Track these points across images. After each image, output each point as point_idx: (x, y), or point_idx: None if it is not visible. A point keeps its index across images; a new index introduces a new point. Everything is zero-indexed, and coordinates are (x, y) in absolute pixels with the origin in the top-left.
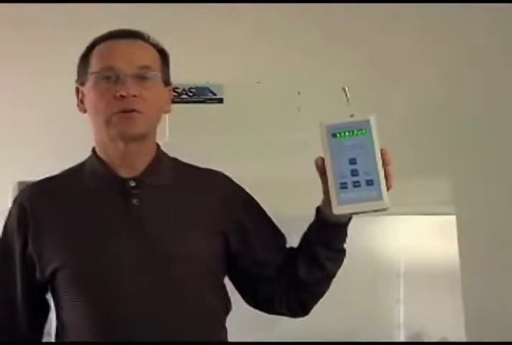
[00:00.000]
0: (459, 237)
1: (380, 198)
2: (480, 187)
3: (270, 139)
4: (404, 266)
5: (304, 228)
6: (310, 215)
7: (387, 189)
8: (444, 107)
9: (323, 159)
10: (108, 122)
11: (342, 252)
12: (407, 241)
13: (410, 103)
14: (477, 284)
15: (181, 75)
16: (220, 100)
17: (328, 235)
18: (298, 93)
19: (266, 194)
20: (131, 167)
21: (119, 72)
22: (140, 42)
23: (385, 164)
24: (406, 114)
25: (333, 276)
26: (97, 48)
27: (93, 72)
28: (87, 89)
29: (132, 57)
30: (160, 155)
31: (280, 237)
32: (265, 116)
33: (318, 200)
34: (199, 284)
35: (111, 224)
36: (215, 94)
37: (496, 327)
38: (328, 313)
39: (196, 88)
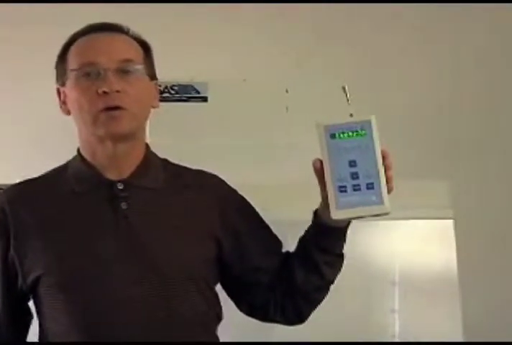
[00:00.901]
0: (457, 243)
1: (380, 202)
2: (480, 191)
3: (257, 140)
4: (399, 273)
5: (298, 232)
6: (303, 220)
7: (388, 192)
8: (442, 108)
9: (321, 161)
10: (94, 121)
11: (341, 257)
12: (402, 247)
13: (408, 104)
14: (477, 293)
15: (163, 71)
16: (204, 99)
17: (326, 240)
18: (287, 91)
19: (255, 198)
20: (119, 168)
21: (99, 67)
22: (120, 35)
23: (385, 167)
24: (403, 115)
25: (331, 282)
26: (74, 44)
27: (72, 70)
28: (68, 89)
29: (112, 51)
30: (149, 156)
31: (275, 242)
32: (252, 115)
33: (309, 203)
34: (189, 291)
35: (97, 229)
36: (199, 92)
37: (496, 338)
38: (320, 323)
39: (179, 85)
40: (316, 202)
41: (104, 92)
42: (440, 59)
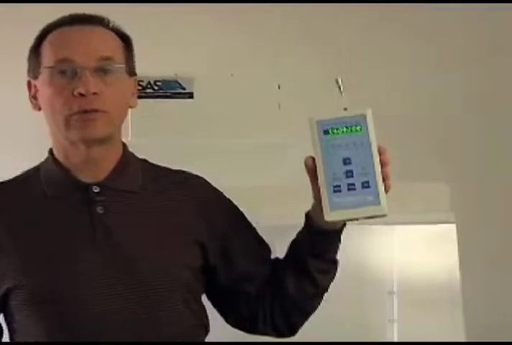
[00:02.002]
0: (459, 248)
1: (377, 202)
2: (483, 193)
3: (247, 139)
4: (397, 282)
5: (288, 237)
6: (294, 224)
7: (386, 191)
8: (443, 108)
9: (313, 159)
10: (67, 124)
11: (335, 263)
12: (400, 254)
13: (407, 104)
14: (481, 303)
15: (146, 66)
16: (190, 95)
17: (319, 244)
18: (279, 87)
19: (243, 201)
20: (95, 171)
21: (76, 65)
22: (99, 29)
23: (382, 164)
24: (401, 115)
25: (325, 290)
26: (49, 37)
27: (47, 67)
28: (40, 84)
29: (91, 47)
30: (127, 156)
31: (264, 248)
32: (241, 113)
33: (303, 206)
34: (174, 303)
35: (72, 236)
36: (184, 88)
37: None
38: (313, 334)
39: (163, 81)
40: (308, 204)
41: (80, 94)
42: (441, 60)
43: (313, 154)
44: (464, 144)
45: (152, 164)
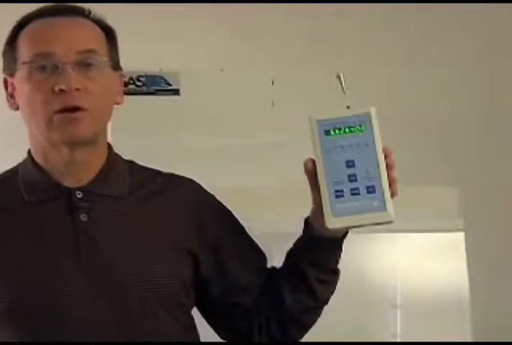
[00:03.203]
0: (468, 258)
1: (382, 208)
2: (493, 200)
3: (238, 139)
4: (401, 294)
5: (285, 245)
6: (291, 231)
7: (392, 197)
8: (448, 105)
9: (313, 162)
10: (48, 124)
11: (336, 274)
12: (405, 264)
13: (408, 101)
14: (491, 317)
15: (129, 60)
16: (176, 92)
17: (319, 253)
18: (272, 83)
19: (235, 206)
20: (78, 174)
21: (56, 59)
22: (80, 20)
23: (388, 167)
24: (404, 112)
25: (325, 303)
26: (26, 30)
27: (25, 62)
28: (18, 81)
29: (72, 40)
30: (112, 159)
31: (260, 257)
32: (231, 111)
33: (298, 211)
34: (162, 318)
35: (53, 246)
36: (170, 84)
37: None
38: None
39: (147, 76)
40: (305, 209)
41: (61, 90)
42: (448, 60)
43: (312, 156)
44: (472, 144)
45: (141, 167)
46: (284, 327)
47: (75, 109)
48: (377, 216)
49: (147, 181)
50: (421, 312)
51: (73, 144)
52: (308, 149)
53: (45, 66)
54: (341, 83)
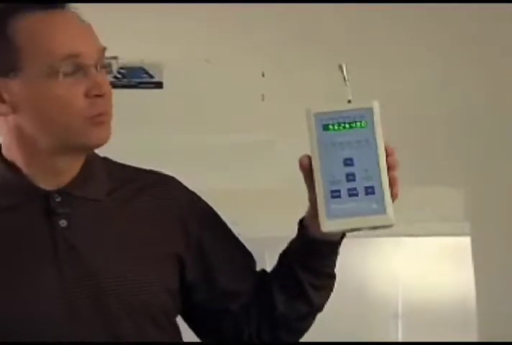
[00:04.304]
0: (475, 264)
1: (382, 211)
2: (502, 202)
3: (225, 136)
4: (403, 303)
5: (276, 249)
6: (283, 236)
7: (392, 199)
8: (454, 101)
9: (309, 158)
10: (79, 130)
11: (331, 279)
12: (407, 271)
13: (410, 98)
14: (498, 327)
15: (107, 50)
16: (158, 85)
17: (314, 256)
18: (263, 75)
19: (222, 208)
20: (57, 176)
21: (82, 60)
22: (77, 13)
23: (389, 167)
24: (407, 110)
25: (320, 309)
26: (27, 24)
27: (50, 65)
28: (28, 83)
29: (91, 38)
30: (91, 158)
31: (248, 259)
32: (219, 105)
33: (290, 213)
34: (147, 329)
35: (30, 255)
36: (152, 76)
37: None
38: None
39: (127, 68)
40: (299, 213)
41: (97, 95)
42: (454, 58)
43: (309, 153)
44: (480, 144)
45: (118, 165)
46: (276, 333)
47: (106, 113)
48: (376, 219)
49: (126, 181)
50: (423, 322)
51: (86, 150)
52: (301, 147)
53: (74, 68)
54: (344, 75)
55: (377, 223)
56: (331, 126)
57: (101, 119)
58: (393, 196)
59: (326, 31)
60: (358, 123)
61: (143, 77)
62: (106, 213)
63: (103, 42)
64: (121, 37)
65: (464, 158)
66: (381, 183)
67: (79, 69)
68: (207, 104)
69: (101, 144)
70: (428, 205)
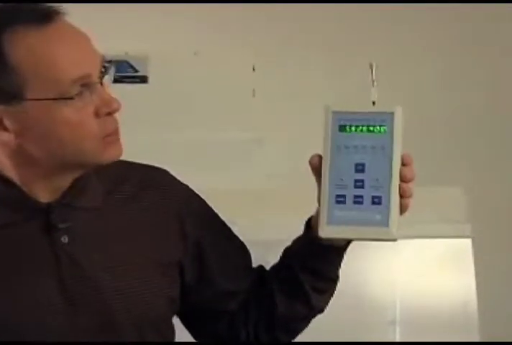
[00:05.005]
0: (476, 268)
1: (385, 223)
2: (504, 203)
3: (214, 133)
4: (401, 308)
5: (269, 253)
6: (278, 238)
7: (401, 212)
8: (455, 99)
9: (320, 158)
10: (86, 152)
11: (334, 282)
12: (405, 275)
13: (411, 98)
14: (500, 330)
15: None
16: (143, 79)
17: (317, 260)
18: (254, 70)
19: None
20: (52, 187)
21: (89, 80)
22: (71, 24)
23: (403, 178)
24: (408, 110)
25: (320, 311)
26: (25, 44)
27: (63, 94)
28: (31, 110)
29: (92, 54)
30: None
31: (246, 257)
32: (207, 101)
33: (283, 217)
34: (147, 335)
35: (30, 273)
36: (136, 70)
37: None
38: None
39: (110, 61)
40: (291, 215)
41: (109, 113)
42: (455, 58)
43: (321, 152)
44: (480, 143)
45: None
46: (273, 334)
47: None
48: (377, 232)
49: (118, 180)
50: (422, 329)
51: (96, 166)
52: (294, 146)
53: (81, 89)
54: (372, 75)
55: (378, 236)
56: (348, 128)
57: (113, 138)
58: (402, 209)
59: (321, 25)
60: (377, 128)
61: (127, 71)
62: (105, 222)
63: (86, 33)
64: (103, 27)
65: (464, 159)
66: (389, 194)
67: (86, 88)
68: (194, 100)
69: (112, 160)
70: (428, 206)
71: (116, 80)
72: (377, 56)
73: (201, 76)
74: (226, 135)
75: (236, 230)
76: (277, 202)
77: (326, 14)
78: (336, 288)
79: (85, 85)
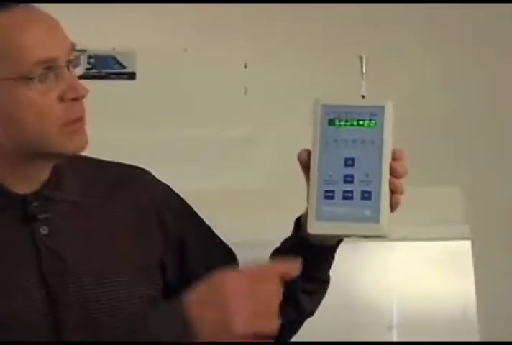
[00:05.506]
0: (475, 271)
1: (375, 219)
2: (503, 204)
3: (204, 132)
4: (398, 313)
5: (260, 255)
6: (267, 240)
7: (392, 209)
8: (457, 106)
9: (309, 153)
10: (49, 138)
11: (325, 283)
12: (402, 278)
13: (410, 96)
14: (500, 334)
15: (75, 37)
16: (131, 76)
17: (308, 260)
18: (245, 67)
19: (200, 210)
20: (29, 180)
21: (55, 63)
22: (38, 8)
23: (394, 173)
24: (407, 110)
25: (310, 314)
26: None
27: (24, 76)
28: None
29: (60, 37)
30: None
31: (231, 258)
32: (197, 99)
33: (275, 218)
34: None
35: (9, 266)
36: (124, 66)
37: None
38: None
39: (97, 56)
40: (283, 216)
41: (73, 99)
42: (453, 58)
43: (300, 149)
44: (479, 143)
45: (83, 159)
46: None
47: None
48: (367, 228)
49: (96, 178)
50: (420, 334)
51: (61, 158)
52: (286, 145)
53: (45, 71)
54: (362, 67)
55: (368, 232)
56: (337, 121)
57: (77, 126)
58: (393, 205)
59: (318, 21)
60: (367, 122)
61: (114, 68)
62: (85, 217)
63: (70, 27)
64: (89, 22)
65: (463, 159)
66: (380, 189)
67: (51, 71)
68: (184, 98)
69: (79, 152)
70: (426, 207)
71: (102, 77)
72: (375, 56)
73: (191, 73)
74: (217, 134)
75: (233, 230)
76: (270, 201)
77: (324, 11)
78: (332, 291)
79: (50, 68)
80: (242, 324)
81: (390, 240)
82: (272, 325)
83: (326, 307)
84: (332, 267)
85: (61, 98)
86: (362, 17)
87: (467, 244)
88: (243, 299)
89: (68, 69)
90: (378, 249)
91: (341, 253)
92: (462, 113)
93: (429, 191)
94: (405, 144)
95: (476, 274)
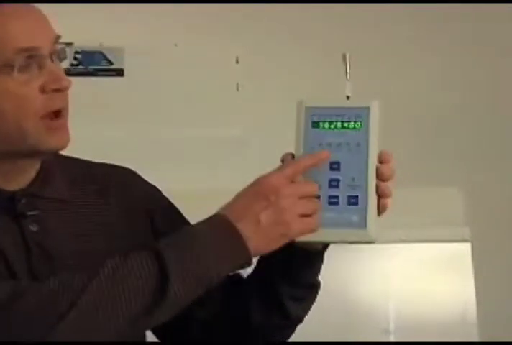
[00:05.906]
0: (475, 273)
1: (362, 225)
2: (503, 206)
3: (195, 131)
4: (395, 317)
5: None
6: None
7: (379, 213)
8: (451, 98)
9: (293, 156)
10: (28, 133)
11: (313, 288)
12: (400, 281)
13: (409, 96)
14: (500, 338)
15: (61, 32)
16: (119, 72)
17: (293, 265)
18: (237, 62)
19: (190, 215)
20: (15, 177)
21: (37, 52)
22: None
23: (381, 176)
24: (403, 107)
25: (299, 321)
26: None
27: (5, 64)
28: None
29: (44, 27)
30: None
31: None
32: (187, 96)
33: None
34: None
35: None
36: (112, 62)
37: None
38: None
39: (84, 52)
40: None
41: (56, 90)
42: (454, 58)
43: (291, 150)
44: (479, 144)
45: (70, 159)
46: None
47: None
48: (354, 234)
49: (82, 180)
50: (418, 338)
51: (43, 156)
52: (279, 143)
53: (27, 61)
54: (346, 67)
55: (355, 238)
56: (321, 124)
57: (59, 123)
58: (381, 209)
59: (313, 17)
60: (352, 124)
61: (102, 64)
62: (74, 217)
63: (57, 21)
64: (76, 17)
65: (463, 160)
66: (367, 194)
67: (33, 61)
68: (174, 94)
69: (60, 150)
70: (425, 208)
71: (90, 73)
72: (374, 55)
73: (181, 69)
74: (208, 131)
75: None
76: None
77: (318, 7)
78: (330, 295)
79: (33, 57)
80: (297, 221)
81: (388, 242)
82: (313, 225)
83: (322, 310)
84: (328, 270)
85: (42, 89)
86: (362, 16)
87: (466, 246)
88: (292, 198)
89: (52, 60)
90: (376, 252)
91: (338, 255)
92: (462, 114)
93: (429, 193)
94: (405, 146)
95: (476, 276)
